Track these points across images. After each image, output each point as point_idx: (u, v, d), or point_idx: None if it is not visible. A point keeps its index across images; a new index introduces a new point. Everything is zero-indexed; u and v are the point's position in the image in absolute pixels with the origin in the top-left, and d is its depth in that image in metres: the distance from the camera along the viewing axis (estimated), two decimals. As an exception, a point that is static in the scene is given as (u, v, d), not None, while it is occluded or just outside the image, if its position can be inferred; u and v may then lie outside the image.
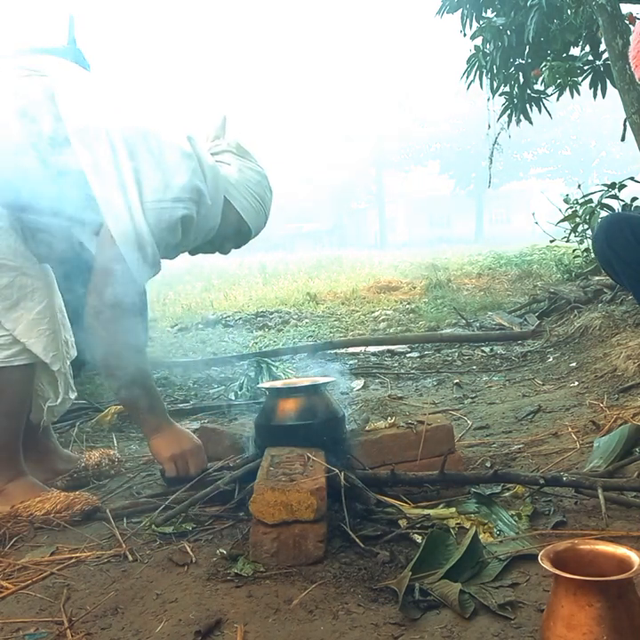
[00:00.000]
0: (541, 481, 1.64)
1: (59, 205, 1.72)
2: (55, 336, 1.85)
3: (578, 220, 5.22)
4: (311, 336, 5.60)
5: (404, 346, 4.67)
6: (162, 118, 1.88)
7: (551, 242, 6.32)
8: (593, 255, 3.22)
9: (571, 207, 5.34)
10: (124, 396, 1.84)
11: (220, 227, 1.94)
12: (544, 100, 5.77)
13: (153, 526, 1.64)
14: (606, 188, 4.92)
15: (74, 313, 1.93)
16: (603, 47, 4.87)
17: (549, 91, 5.54)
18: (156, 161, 1.75)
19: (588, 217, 4.96)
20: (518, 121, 5.86)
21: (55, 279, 1.99)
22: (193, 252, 2.06)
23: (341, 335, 5.52)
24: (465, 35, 5.77)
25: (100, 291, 1.75)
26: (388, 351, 4.54)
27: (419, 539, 1.46)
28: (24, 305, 1.78)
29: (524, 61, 5.61)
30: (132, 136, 1.76)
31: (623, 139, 4.81)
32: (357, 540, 1.44)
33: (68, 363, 2.02)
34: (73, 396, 2.08)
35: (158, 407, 1.88)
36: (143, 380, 1.83)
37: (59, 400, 1.97)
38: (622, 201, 4.85)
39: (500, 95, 5.86)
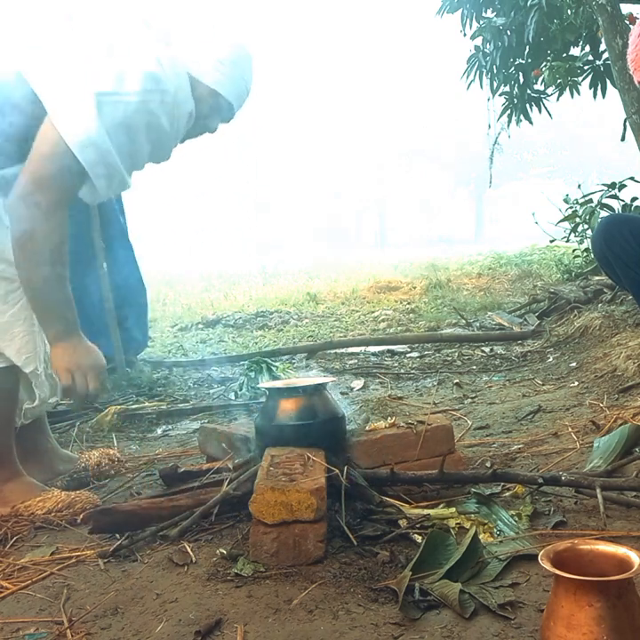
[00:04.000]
0: (540, 480, 1.65)
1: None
2: (31, 337, 1.80)
3: (578, 220, 5.22)
4: (311, 336, 5.60)
5: (403, 346, 4.67)
6: (117, 7, 1.76)
7: (551, 242, 6.32)
8: (593, 255, 3.23)
9: (571, 207, 5.33)
10: (34, 293, 1.73)
11: (197, 108, 1.81)
12: (544, 100, 5.77)
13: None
14: (606, 188, 4.91)
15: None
16: (603, 47, 4.87)
17: (549, 91, 5.54)
18: (107, 50, 1.64)
19: (587, 217, 4.96)
20: (518, 121, 5.86)
21: None
22: (181, 142, 1.92)
23: (341, 335, 5.51)
24: (465, 35, 5.77)
25: (38, 173, 1.63)
26: (388, 351, 4.54)
27: (419, 539, 1.46)
28: None
29: (524, 61, 5.61)
30: (78, 26, 1.67)
31: (623, 139, 4.81)
32: (353, 540, 1.44)
33: (47, 365, 1.94)
34: (53, 399, 2.02)
35: (69, 315, 1.76)
36: (58, 282, 1.71)
37: (36, 402, 1.91)
38: (622, 201, 4.85)
39: (500, 95, 5.86)
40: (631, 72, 1.88)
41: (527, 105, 5.76)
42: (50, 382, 1.93)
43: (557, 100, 5.50)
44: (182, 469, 1.90)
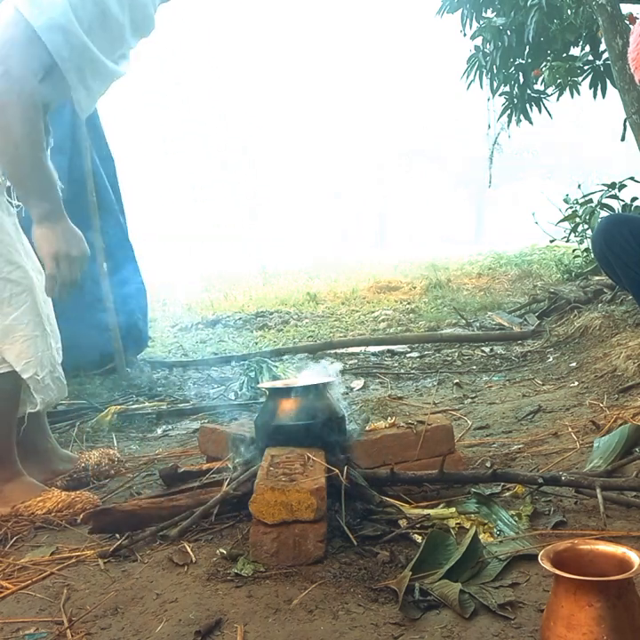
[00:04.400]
0: (540, 480, 1.65)
1: None
2: (32, 342, 1.78)
3: (578, 219, 5.22)
4: (311, 336, 5.60)
5: (403, 346, 4.67)
6: None
7: (551, 242, 6.32)
8: (593, 255, 3.24)
9: (571, 207, 5.34)
10: (13, 169, 1.66)
11: None
12: (544, 100, 5.77)
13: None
14: (606, 188, 4.92)
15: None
16: (603, 47, 4.87)
17: (549, 91, 5.55)
18: None
19: (587, 217, 4.96)
20: (518, 121, 5.86)
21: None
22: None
23: (341, 335, 5.51)
24: (465, 35, 5.77)
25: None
26: (388, 351, 4.54)
27: (419, 539, 1.46)
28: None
29: (524, 61, 5.61)
30: None
31: (623, 139, 4.81)
32: (353, 540, 1.44)
33: (54, 368, 1.92)
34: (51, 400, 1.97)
35: (50, 197, 1.68)
36: (35, 160, 1.63)
37: (38, 407, 1.88)
38: (622, 201, 4.85)
39: (500, 95, 5.86)
40: (631, 71, 1.88)
41: (527, 105, 5.76)
42: (57, 385, 1.91)
43: (557, 100, 5.50)
44: (182, 469, 1.91)
